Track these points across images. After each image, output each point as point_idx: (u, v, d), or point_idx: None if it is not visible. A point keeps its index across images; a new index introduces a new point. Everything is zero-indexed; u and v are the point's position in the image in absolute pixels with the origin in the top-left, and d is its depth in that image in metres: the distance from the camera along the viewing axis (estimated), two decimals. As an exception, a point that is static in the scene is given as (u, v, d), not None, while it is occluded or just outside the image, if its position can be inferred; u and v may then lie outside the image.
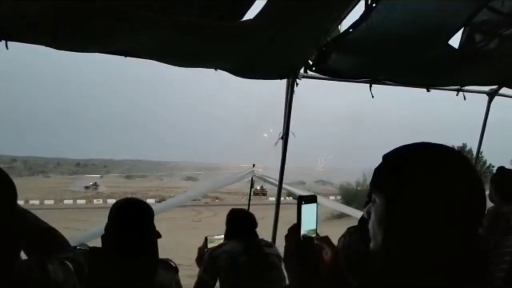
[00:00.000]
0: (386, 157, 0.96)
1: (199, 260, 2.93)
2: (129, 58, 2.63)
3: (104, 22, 2.07)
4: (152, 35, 2.33)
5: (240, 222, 2.98)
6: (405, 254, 0.88)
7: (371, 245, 0.96)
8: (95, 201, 56.75)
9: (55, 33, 2.14)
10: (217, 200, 51.68)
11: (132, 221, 1.88)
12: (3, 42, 2.22)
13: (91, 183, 74.85)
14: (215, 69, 3.02)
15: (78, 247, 1.98)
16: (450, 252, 0.85)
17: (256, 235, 2.96)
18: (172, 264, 2.03)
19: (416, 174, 0.87)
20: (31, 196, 50.41)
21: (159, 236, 1.97)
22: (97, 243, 2.24)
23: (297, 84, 3.42)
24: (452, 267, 0.84)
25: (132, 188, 75.84)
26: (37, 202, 47.72)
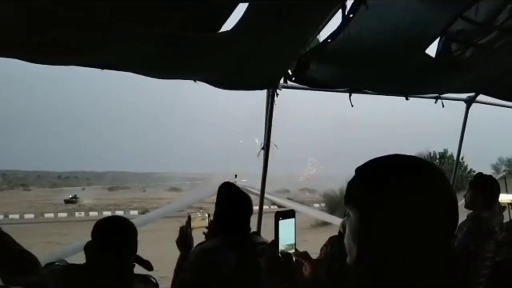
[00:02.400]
0: (358, 170, 0.95)
1: (183, 240, 2.62)
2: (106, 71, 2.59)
3: (79, 34, 2.04)
4: (130, 47, 2.31)
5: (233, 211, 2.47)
6: (379, 268, 0.87)
7: (347, 259, 0.95)
8: (76, 214, 55.78)
9: (29, 46, 2.10)
10: (201, 211, 51.37)
11: (112, 239, 1.87)
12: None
13: (70, 196, 73.64)
14: (194, 80, 3.01)
15: (56, 263, 1.96)
16: (424, 264, 0.85)
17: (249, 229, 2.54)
18: (152, 280, 2.00)
19: (388, 188, 0.87)
20: (10, 210, 49.34)
21: (151, 268, 1.96)
22: (77, 258, 2.21)
23: (277, 94, 3.43)
24: (427, 280, 0.84)
25: (115, 200, 74.89)
26: (17, 216, 46.71)
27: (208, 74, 2.96)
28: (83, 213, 54.61)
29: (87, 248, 1.89)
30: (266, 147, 3.67)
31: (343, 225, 0.99)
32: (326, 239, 3.29)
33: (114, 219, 1.99)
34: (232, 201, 2.44)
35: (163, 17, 2.21)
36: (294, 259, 1.18)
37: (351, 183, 0.95)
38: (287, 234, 1.17)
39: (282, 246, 1.15)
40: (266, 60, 2.82)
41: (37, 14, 1.87)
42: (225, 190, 2.49)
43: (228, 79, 3.03)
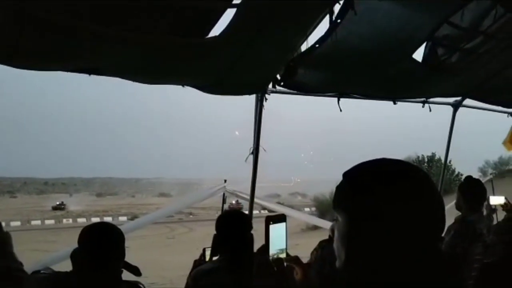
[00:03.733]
0: (346, 174, 0.95)
1: None
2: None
3: (65, 41, 2.03)
4: (117, 52, 2.30)
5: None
6: (367, 271, 0.87)
7: (337, 263, 0.95)
8: (64, 220, 55.15)
9: (17, 53, 2.08)
10: (191, 216, 50.89)
11: (99, 246, 1.85)
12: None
13: (57, 203, 72.75)
14: (183, 85, 3.01)
15: (42, 271, 1.94)
16: (411, 267, 0.85)
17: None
18: (141, 286, 1.97)
19: (375, 192, 0.87)
20: None
21: (139, 273, 1.94)
22: (65, 265, 2.18)
23: (266, 99, 3.44)
24: (414, 282, 0.84)
25: (103, 206, 74.22)
26: (3, 224, 45.92)
27: (196, 79, 2.96)
28: (71, 220, 54.00)
29: (74, 255, 1.87)
30: (255, 151, 3.67)
31: (332, 229, 1.00)
32: (316, 244, 3.30)
33: (100, 225, 1.96)
34: (228, 222, 2.42)
35: (150, 23, 2.21)
36: (285, 263, 1.18)
37: (339, 188, 0.95)
38: (278, 239, 1.16)
39: (273, 251, 1.15)
40: (254, 65, 2.83)
41: (24, 21, 1.86)
42: (222, 215, 2.53)
43: (217, 84, 3.03)
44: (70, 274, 1.85)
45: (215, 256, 2.40)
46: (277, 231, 1.18)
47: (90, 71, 2.54)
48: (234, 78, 2.96)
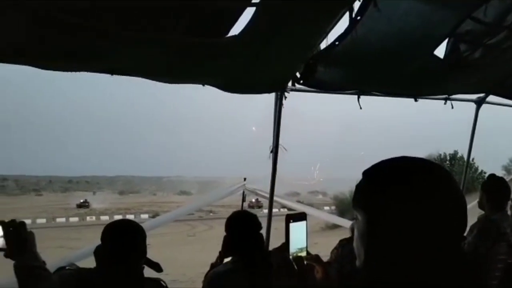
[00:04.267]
0: (365, 173, 0.95)
1: None
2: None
3: (89, 41, 2.08)
4: (138, 53, 2.33)
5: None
6: (386, 270, 0.87)
7: (357, 262, 0.95)
8: (88, 218, 56.21)
9: (41, 53, 2.14)
10: (211, 214, 51.28)
11: (121, 243, 1.90)
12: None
13: (81, 201, 74.19)
14: (203, 84, 3.03)
15: (67, 267, 1.97)
16: (433, 266, 0.85)
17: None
18: (163, 283, 2.00)
19: (396, 191, 0.87)
20: (23, 215, 49.83)
21: (160, 269, 1.97)
22: (89, 262, 2.23)
23: (285, 97, 3.44)
24: (435, 281, 0.84)
25: (126, 204, 75.25)
26: (29, 221, 47.12)
27: (217, 78, 2.98)
28: (94, 217, 55.02)
29: (97, 252, 1.92)
30: (275, 149, 3.68)
31: (352, 228, 1.00)
32: (337, 242, 3.29)
33: (122, 222, 2.02)
34: (237, 223, 2.45)
35: (171, 23, 2.24)
36: (305, 262, 1.18)
37: (358, 186, 0.95)
38: (298, 237, 1.16)
39: (293, 249, 1.15)
40: (274, 63, 2.83)
41: (46, 22, 1.91)
42: (230, 217, 2.51)
43: (236, 82, 3.05)
44: (93, 270, 1.90)
45: (227, 257, 2.44)
46: (298, 229, 1.18)
47: (112, 71, 2.58)
48: (253, 76, 2.97)
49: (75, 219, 55.47)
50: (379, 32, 2.75)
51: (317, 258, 1.21)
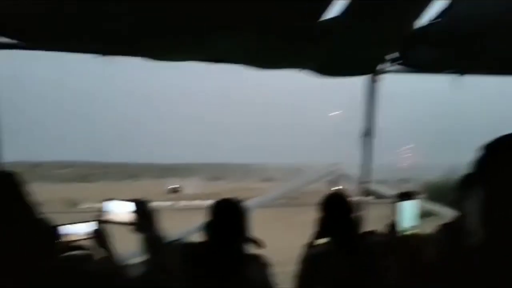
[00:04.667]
0: (487, 147, 0.91)
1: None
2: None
3: (188, 31, 2.19)
4: (234, 40, 2.42)
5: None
6: (506, 246, 0.84)
7: (471, 240, 0.93)
8: (180, 203, 59.20)
9: (148, 46, 2.31)
10: (297, 200, 51.50)
11: (225, 220, 2.04)
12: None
13: (173, 186, 78.07)
14: (300, 69, 3.05)
15: (174, 241, 2.12)
16: None
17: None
18: (264, 260, 2.12)
19: None
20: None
21: (262, 245, 2.06)
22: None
23: (379, 79, 3.35)
24: None
25: (215, 190, 78.09)
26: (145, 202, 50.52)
27: (311, 62, 2.98)
28: (186, 202, 57.90)
29: (204, 228, 2.06)
30: (367, 134, 3.61)
31: (462, 205, 0.96)
32: (429, 229, 3.14)
33: (227, 200, 2.14)
34: (329, 204, 2.46)
35: (265, 8, 2.27)
36: (413, 241, 1.16)
37: (479, 161, 0.92)
38: (407, 216, 1.15)
39: (402, 228, 1.13)
40: (368, 44, 2.77)
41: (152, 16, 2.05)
42: (324, 198, 2.51)
43: (331, 66, 3.03)
44: (200, 244, 2.04)
45: (321, 239, 2.44)
46: (407, 208, 1.16)
47: (211, 60, 2.71)
48: (348, 59, 2.94)
49: (168, 203, 58.50)
50: (483, 6, 2.56)
51: (425, 237, 1.19)
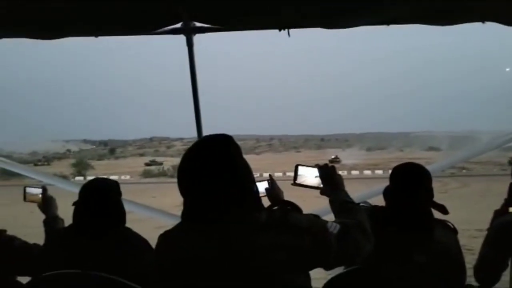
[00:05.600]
0: None
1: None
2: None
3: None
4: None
5: None
6: None
7: None
8: (339, 173, 59.91)
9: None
10: (464, 171, 48.17)
11: (408, 183, 1.97)
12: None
13: (333, 157, 77.74)
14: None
15: (361, 204, 1.98)
16: None
17: None
18: (450, 225, 1.99)
19: None
20: (289, 169, 56.51)
21: (446, 212, 1.96)
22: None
23: None
24: None
25: (374, 160, 77.03)
26: (280, 174, 51.52)
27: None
28: (346, 172, 58.97)
29: (385, 192, 2.02)
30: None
31: None
32: None
33: (408, 165, 2.05)
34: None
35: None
36: None
37: None
38: None
39: None
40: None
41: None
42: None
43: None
44: (383, 208, 2.01)
45: None
46: None
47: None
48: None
49: (344, 172, 58.96)
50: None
51: None
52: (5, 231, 2.14)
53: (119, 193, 2.12)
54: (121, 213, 2.09)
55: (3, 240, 2.10)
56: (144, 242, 2.04)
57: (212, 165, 1.30)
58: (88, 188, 2.07)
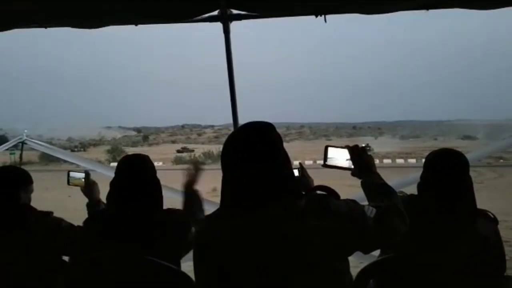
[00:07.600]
0: None
1: None
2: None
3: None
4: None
5: None
6: None
7: None
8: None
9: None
10: (501, 161, 46.51)
11: (447, 171, 1.92)
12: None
13: (363, 145, 77.71)
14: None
15: (400, 191, 1.97)
16: None
17: None
18: (490, 215, 1.96)
19: None
20: (318, 157, 56.35)
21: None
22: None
23: None
24: None
25: (407, 149, 75.92)
26: (310, 162, 52.09)
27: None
28: (377, 161, 57.96)
29: (419, 185, 2.01)
30: None
31: None
32: None
33: (451, 151, 1.99)
34: None
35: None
36: None
37: None
38: None
39: None
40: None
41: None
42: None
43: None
44: (415, 197, 1.99)
45: None
46: None
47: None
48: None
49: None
50: None
51: None
52: (52, 212, 2.25)
53: (154, 169, 2.18)
54: (158, 188, 2.15)
55: (51, 220, 2.21)
56: (186, 223, 2.09)
57: (257, 150, 1.33)
58: (123, 164, 2.16)
